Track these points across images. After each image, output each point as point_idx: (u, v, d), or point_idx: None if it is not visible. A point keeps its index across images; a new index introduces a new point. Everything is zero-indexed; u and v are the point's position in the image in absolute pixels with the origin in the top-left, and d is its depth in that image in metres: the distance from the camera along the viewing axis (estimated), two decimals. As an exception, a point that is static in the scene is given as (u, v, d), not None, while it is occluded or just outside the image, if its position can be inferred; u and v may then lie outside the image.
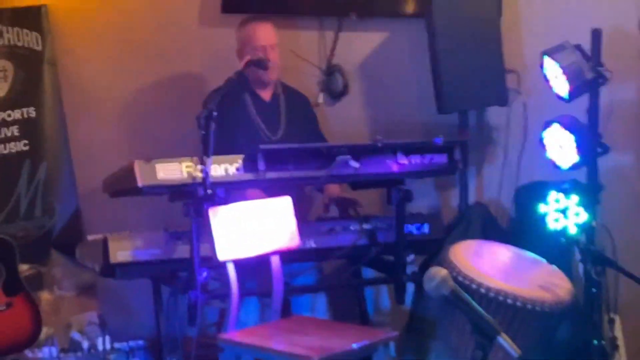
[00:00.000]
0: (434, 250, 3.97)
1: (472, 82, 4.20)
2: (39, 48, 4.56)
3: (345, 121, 4.69)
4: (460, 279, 3.33)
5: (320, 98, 4.71)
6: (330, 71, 4.71)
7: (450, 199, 4.62)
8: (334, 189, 4.11)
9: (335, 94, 4.73)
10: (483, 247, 3.56)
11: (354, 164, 3.64)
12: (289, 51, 4.49)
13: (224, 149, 3.54)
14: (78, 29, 4.70)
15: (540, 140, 3.96)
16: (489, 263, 3.44)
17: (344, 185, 4.14)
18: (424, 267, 4.14)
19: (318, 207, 4.24)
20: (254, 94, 4.11)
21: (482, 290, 3.33)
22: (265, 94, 4.15)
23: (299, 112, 4.21)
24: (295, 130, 4.11)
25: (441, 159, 3.85)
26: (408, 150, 3.78)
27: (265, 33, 4.07)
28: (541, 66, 3.89)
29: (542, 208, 3.94)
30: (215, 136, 3.35)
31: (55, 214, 4.52)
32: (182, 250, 3.55)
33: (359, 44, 4.69)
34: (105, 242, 3.52)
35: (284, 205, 3.53)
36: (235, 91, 4.02)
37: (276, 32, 4.12)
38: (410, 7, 4.61)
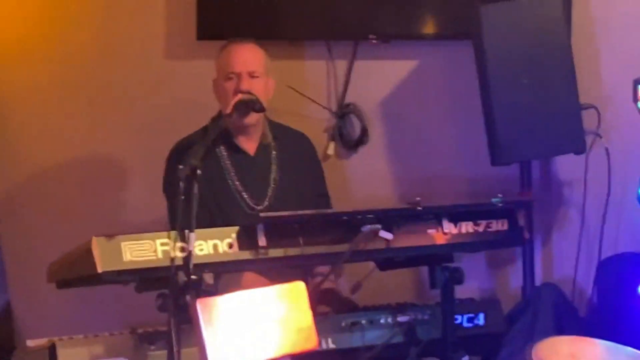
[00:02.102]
0: (491, 348, 3.94)
1: (536, 123, 4.19)
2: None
3: (364, 178, 4.73)
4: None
5: (331, 149, 4.74)
6: (343, 113, 4.75)
7: (511, 278, 4.63)
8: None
9: (351, 143, 4.76)
10: (573, 346, 3.50)
11: (386, 235, 3.60)
12: (286, 88, 4.50)
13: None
14: (11, 65, 4.81)
15: (639, 197, 3.93)
16: (586, 367, 3.38)
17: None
18: (480, 372, 4.06)
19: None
20: (233, 146, 4.08)
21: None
22: (249, 145, 4.11)
23: (297, 167, 4.17)
24: (290, 194, 4.08)
25: (501, 226, 3.82)
26: (456, 215, 3.74)
27: (241, 56, 4.04)
28: (634, 99, 3.89)
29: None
30: (175, 208, 3.28)
31: (-23, 312, 4.47)
32: (155, 359, 3.47)
33: (379, 76, 4.74)
34: (52, 349, 3.42)
35: (296, 292, 3.42)
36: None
37: (261, 56, 4.08)
38: (446, 27, 4.65)
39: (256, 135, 4.10)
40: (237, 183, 4.05)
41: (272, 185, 4.08)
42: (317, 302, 3.92)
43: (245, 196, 4.04)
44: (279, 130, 4.18)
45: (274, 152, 4.13)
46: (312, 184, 4.20)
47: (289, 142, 4.19)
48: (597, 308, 4.36)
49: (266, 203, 4.04)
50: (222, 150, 4.06)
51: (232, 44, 4.10)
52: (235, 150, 4.08)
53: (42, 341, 3.50)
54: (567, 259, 4.57)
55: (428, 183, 4.63)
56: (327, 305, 4.01)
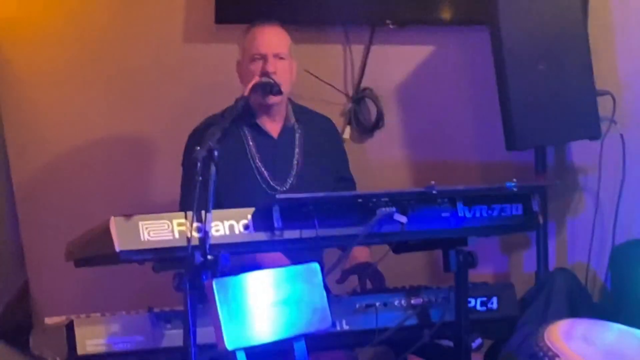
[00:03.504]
0: (505, 332, 3.93)
1: (552, 109, 4.20)
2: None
3: (379, 162, 4.75)
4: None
5: (347, 133, 4.75)
6: (360, 97, 4.76)
7: (525, 263, 4.63)
8: (362, 252, 4.06)
9: (367, 127, 4.77)
10: (584, 328, 3.50)
11: (401, 218, 3.59)
12: (303, 72, 4.49)
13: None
14: (27, 48, 4.81)
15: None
16: (596, 348, 3.38)
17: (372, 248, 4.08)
18: (492, 355, 4.11)
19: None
20: (257, 127, 4.09)
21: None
22: (273, 127, 4.12)
23: (320, 150, 4.18)
24: (313, 177, 4.09)
25: (514, 210, 3.79)
26: (471, 199, 3.72)
27: (267, 38, 4.04)
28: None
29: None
30: (191, 188, 3.29)
31: (-6, 290, 4.50)
32: (172, 337, 3.47)
33: (396, 61, 4.75)
34: (70, 327, 3.42)
35: (311, 274, 3.45)
36: (232, 123, 3.97)
37: (286, 38, 4.09)
38: (463, 13, 4.64)
39: (280, 117, 4.11)
40: (260, 164, 4.06)
41: (295, 168, 4.09)
42: (357, 273, 4.02)
43: (268, 178, 4.05)
44: (303, 114, 4.18)
45: (297, 135, 4.14)
46: (335, 167, 4.21)
47: (313, 125, 4.20)
48: (611, 293, 4.38)
49: (288, 185, 4.05)
50: (246, 132, 4.07)
51: (258, 25, 4.09)
52: (259, 132, 4.08)
53: (60, 319, 3.51)
54: (581, 245, 4.56)
55: (443, 168, 4.63)
56: (361, 278, 4.03)
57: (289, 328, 3.39)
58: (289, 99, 4.13)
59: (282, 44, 4.05)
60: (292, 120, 4.13)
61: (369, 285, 4.03)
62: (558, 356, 3.32)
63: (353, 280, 4.06)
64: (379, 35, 4.68)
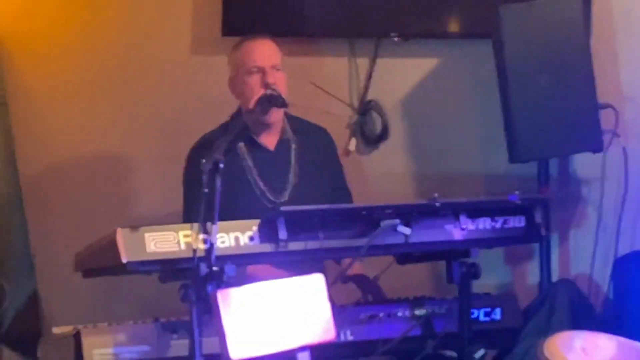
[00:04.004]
0: (508, 342, 3.93)
1: (554, 121, 4.20)
2: (-15, 84, 4.62)
3: (384, 174, 4.74)
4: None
5: (352, 144, 4.75)
6: (365, 109, 4.76)
7: (527, 274, 4.63)
8: (356, 265, 4.07)
9: (372, 139, 4.77)
10: (584, 340, 3.51)
11: (404, 230, 3.60)
12: (309, 84, 4.55)
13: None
14: (36, 60, 4.82)
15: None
16: (596, 360, 3.40)
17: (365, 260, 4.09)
18: (496, 366, 4.06)
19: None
20: (253, 141, 4.09)
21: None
22: (269, 140, 4.12)
23: (316, 161, 4.18)
24: (310, 188, 4.10)
25: (517, 222, 3.80)
26: (474, 211, 3.73)
27: (263, 51, 4.05)
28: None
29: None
30: (196, 201, 3.33)
31: (5, 298, 4.50)
32: (178, 347, 3.50)
33: (401, 74, 4.75)
34: (77, 336, 3.45)
35: (315, 285, 3.46)
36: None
37: (279, 50, 4.09)
38: (468, 26, 4.66)
39: (276, 130, 4.11)
40: (257, 178, 4.06)
41: (292, 180, 4.09)
42: (356, 283, 4.04)
43: (265, 191, 4.05)
44: (298, 125, 4.18)
45: (293, 147, 4.14)
46: (331, 178, 4.21)
47: (309, 136, 4.19)
48: (613, 305, 4.37)
49: (285, 197, 4.05)
50: (242, 146, 4.07)
51: (251, 40, 4.10)
52: (255, 146, 4.09)
53: (67, 328, 3.52)
54: (584, 256, 4.57)
55: (447, 180, 4.62)
56: (357, 287, 4.06)
57: (293, 339, 3.40)
58: (284, 111, 4.12)
59: (277, 55, 4.06)
60: (289, 132, 4.13)
61: (370, 298, 4.04)
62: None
63: (354, 291, 4.09)
64: (384, 48, 4.68)
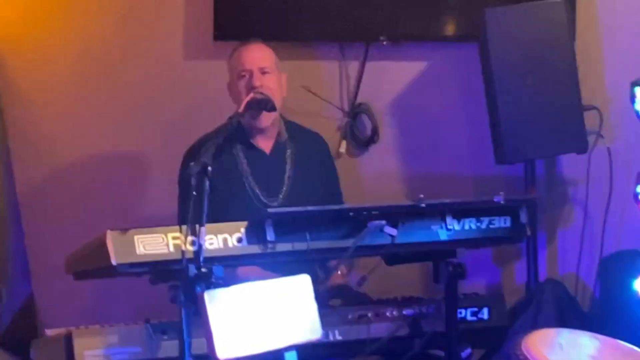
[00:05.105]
0: (495, 342, 3.93)
1: (540, 123, 4.22)
2: (-20, 89, 4.62)
3: (374, 176, 4.76)
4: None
5: (343, 147, 4.77)
6: (355, 112, 4.78)
7: (515, 274, 4.65)
8: (335, 275, 4.09)
9: (362, 142, 4.79)
10: (564, 337, 3.52)
11: (391, 231, 3.62)
12: (299, 88, 4.55)
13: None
14: (30, 63, 4.81)
15: (635, 196, 3.94)
16: (573, 358, 3.40)
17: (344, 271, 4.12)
18: (484, 365, 4.07)
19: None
20: (249, 144, 4.11)
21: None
22: (265, 143, 4.14)
23: (311, 166, 4.20)
24: (304, 192, 4.12)
25: (503, 223, 3.81)
26: (460, 212, 3.75)
27: (250, 54, 4.09)
28: (631, 100, 3.90)
29: (636, 285, 3.92)
30: (186, 203, 3.31)
31: (1, 301, 4.52)
32: (168, 348, 3.52)
33: (390, 77, 4.77)
34: (69, 338, 3.47)
35: (301, 285, 3.48)
36: (225, 140, 4.02)
37: (270, 53, 4.12)
38: (456, 29, 4.69)
39: (272, 134, 4.13)
40: (252, 180, 4.08)
41: (286, 183, 4.11)
42: (330, 297, 3.97)
43: (259, 193, 4.07)
44: (294, 130, 4.20)
45: (289, 151, 4.16)
46: (325, 183, 4.23)
47: (304, 141, 4.22)
48: (600, 303, 4.38)
49: (279, 200, 4.07)
50: (238, 148, 4.10)
51: (243, 44, 4.15)
52: (251, 149, 4.10)
53: (60, 330, 3.54)
54: (571, 256, 4.59)
55: (436, 181, 4.64)
56: (340, 299, 4.01)
57: (280, 339, 3.43)
58: (281, 115, 4.15)
59: (266, 58, 4.08)
60: (285, 136, 4.15)
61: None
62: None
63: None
64: (374, 51, 4.69)
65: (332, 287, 4.04)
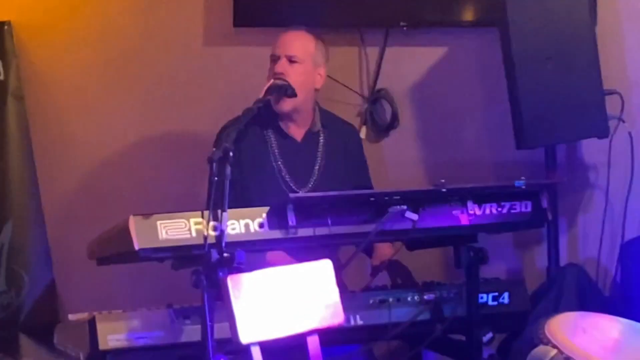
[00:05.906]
0: (516, 326, 3.94)
1: (561, 108, 4.20)
2: (1, 77, 4.62)
3: (394, 161, 4.77)
4: (563, 363, 3.32)
5: (363, 132, 4.77)
6: (375, 98, 4.78)
7: (536, 259, 4.63)
8: (386, 250, 4.10)
9: (382, 127, 4.80)
10: (586, 321, 3.53)
11: (412, 215, 3.63)
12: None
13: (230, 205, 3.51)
14: (51, 52, 4.83)
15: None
16: (596, 341, 3.40)
17: (397, 244, 4.12)
18: (505, 349, 4.11)
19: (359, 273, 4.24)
20: (282, 131, 4.10)
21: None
22: (297, 131, 4.12)
23: (342, 158, 4.19)
24: (334, 181, 4.10)
25: (524, 207, 3.82)
26: (481, 197, 3.76)
27: (283, 41, 4.04)
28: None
29: (657, 269, 3.92)
30: (209, 188, 3.35)
31: (23, 288, 4.53)
32: (191, 332, 3.53)
33: (410, 62, 4.77)
34: (92, 323, 3.49)
35: (323, 270, 3.49)
36: (258, 126, 4.02)
37: (306, 43, 4.06)
38: (476, 14, 4.67)
39: (304, 122, 4.10)
40: (282, 167, 4.06)
41: (316, 172, 4.10)
42: (387, 271, 4.07)
43: (289, 180, 4.06)
44: (328, 119, 4.18)
45: (321, 140, 4.14)
46: (355, 174, 4.21)
47: (337, 131, 4.20)
48: (621, 288, 4.36)
49: (308, 188, 4.05)
50: (271, 135, 4.08)
51: (284, 29, 4.10)
52: (283, 136, 4.09)
53: (82, 315, 3.56)
54: (592, 241, 4.57)
55: (456, 166, 4.64)
56: (391, 275, 4.10)
57: (302, 323, 3.44)
58: (318, 105, 4.13)
59: (298, 47, 4.02)
60: (318, 126, 4.13)
61: (399, 281, 4.07)
62: (557, 348, 3.32)
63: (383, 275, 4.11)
64: (393, 37, 4.69)
65: (382, 262, 4.07)
